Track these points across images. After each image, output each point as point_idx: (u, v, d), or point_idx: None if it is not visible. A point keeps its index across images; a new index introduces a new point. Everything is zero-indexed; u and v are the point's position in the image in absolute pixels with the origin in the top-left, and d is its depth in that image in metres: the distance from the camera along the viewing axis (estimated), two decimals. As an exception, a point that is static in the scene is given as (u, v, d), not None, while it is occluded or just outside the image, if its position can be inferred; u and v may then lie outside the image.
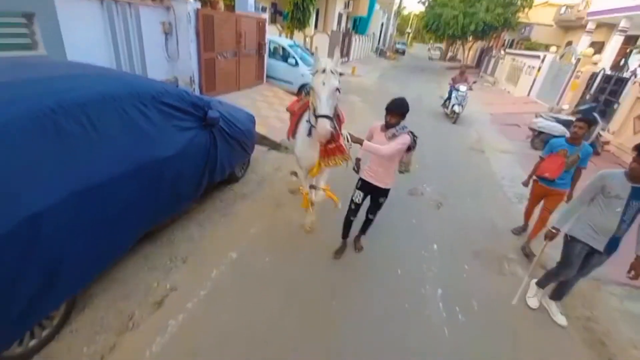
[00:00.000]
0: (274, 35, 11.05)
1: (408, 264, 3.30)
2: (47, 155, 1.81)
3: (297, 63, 8.91)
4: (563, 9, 23.64)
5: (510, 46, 25.27)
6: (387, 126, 2.61)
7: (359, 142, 2.51)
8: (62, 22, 3.72)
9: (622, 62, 9.46)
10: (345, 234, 3.22)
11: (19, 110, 1.75)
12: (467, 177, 5.65)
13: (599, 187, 2.46)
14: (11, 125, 1.68)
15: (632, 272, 2.41)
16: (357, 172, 3.01)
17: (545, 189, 3.52)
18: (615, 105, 8.30)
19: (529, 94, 13.60)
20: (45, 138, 1.81)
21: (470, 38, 22.50)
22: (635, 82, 7.72)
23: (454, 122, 9.05)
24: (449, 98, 9.39)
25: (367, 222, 3.20)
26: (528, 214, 3.99)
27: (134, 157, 2.34)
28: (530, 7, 21.64)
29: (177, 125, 2.80)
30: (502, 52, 20.33)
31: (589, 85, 9.90)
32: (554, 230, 2.68)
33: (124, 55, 4.62)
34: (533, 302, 2.93)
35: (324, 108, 2.31)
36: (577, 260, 2.56)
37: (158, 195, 2.65)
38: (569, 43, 20.96)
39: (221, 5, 6.30)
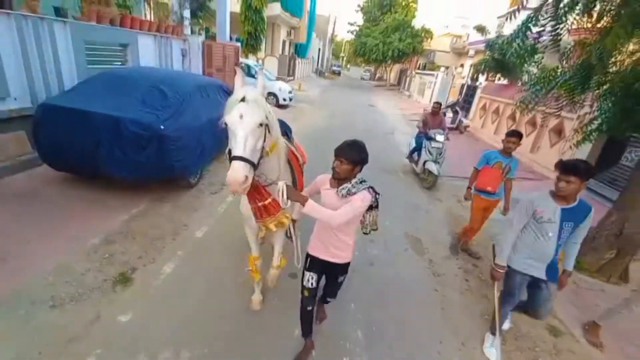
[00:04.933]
0: (238, 57, 14.06)
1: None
2: (199, 103, 4.65)
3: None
4: (455, 39, 30.69)
5: (424, 68, 31.59)
6: (338, 180, 1.88)
7: (301, 201, 1.76)
8: (140, 48, 6.36)
9: (475, 76, 14.34)
10: (307, 330, 2.32)
11: (191, 85, 4.60)
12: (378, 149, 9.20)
13: (530, 213, 2.31)
14: (194, 90, 4.56)
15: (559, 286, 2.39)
16: (290, 238, 2.36)
17: (488, 201, 3.66)
18: (472, 103, 12.91)
19: (430, 101, 18.45)
20: (198, 96, 4.66)
21: (390, 62, 27.83)
22: (480, 88, 12.34)
23: (429, 188, 6.01)
24: (418, 149, 6.31)
25: (325, 301, 2.49)
26: (473, 231, 3.89)
27: (217, 112, 5.18)
28: (431, 38, 27.84)
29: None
30: (414, 72, 25.83)
31: (461, 92, 14.64)
32: (499, 270, 2.44)
33: (163, 67, 7.28)
34: (492, 353, 2.57)
35: (239, 148, 1.64)
36: (519, 292, 2.47)
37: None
38: (462, 65, 27.40)
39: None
